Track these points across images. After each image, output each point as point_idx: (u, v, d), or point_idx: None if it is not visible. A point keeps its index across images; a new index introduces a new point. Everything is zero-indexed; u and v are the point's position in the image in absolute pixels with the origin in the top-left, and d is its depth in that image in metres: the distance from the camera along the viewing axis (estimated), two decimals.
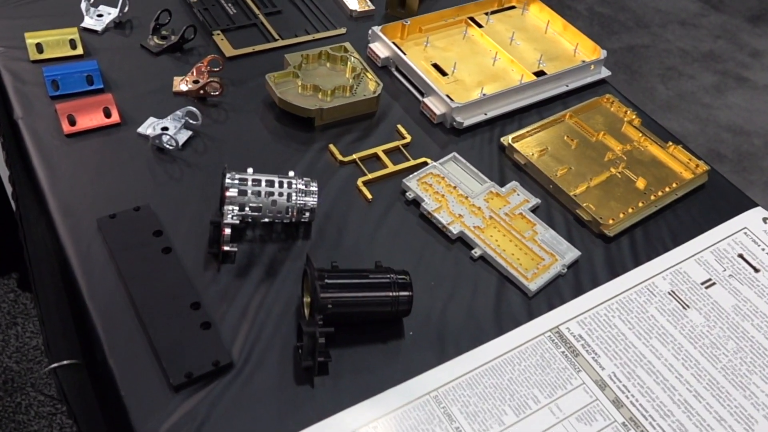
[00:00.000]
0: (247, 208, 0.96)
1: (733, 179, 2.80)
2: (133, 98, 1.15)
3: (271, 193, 0.96)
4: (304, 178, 0.99)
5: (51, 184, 1.01)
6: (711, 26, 3.51)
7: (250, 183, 0.96)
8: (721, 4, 3.66)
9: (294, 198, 0.97)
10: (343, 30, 1.35)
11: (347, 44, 1.26)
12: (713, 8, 3.64)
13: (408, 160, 1.12)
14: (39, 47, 1.19)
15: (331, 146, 1.12)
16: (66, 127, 1.07)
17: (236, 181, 0.96)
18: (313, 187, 0.98)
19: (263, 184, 0.97)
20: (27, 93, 1.13)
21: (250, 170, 0.99)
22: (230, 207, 0.94)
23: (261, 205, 0.96)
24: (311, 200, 0.98)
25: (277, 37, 1.31)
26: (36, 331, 1.87)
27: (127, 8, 1.29)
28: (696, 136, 2.91)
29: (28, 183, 1.06)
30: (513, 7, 1.45)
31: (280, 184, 0.97)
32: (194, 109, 1.10)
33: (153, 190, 1.03)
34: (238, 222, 0.93)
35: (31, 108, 1.11)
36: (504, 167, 1.15)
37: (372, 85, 1.20)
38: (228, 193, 0.95)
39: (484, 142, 1.18)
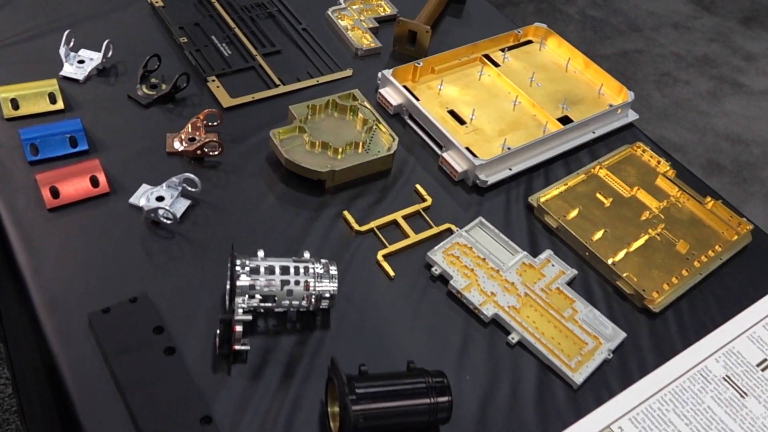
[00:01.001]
0: (259, 300, 0.85)
1: (733, 191, 2.76)
2: (122, 161, 1.04)
3: (287, 282, 0.86)
4: (322, 260, 0.89)
5: (33, 272, 0.89)
6: (704, 29, 3.44)
7: (262, 271, 0.86)
8: (713, 5, 3.60)
9: (312, 285, 0.87)
10: (349, 72, 1.24)
11: (356, 92, 1.15)
12: (705, 10, 3.57)
13: (430, 226, 1.02)
14: (14, 103, 1.06)
15: (346, 214, 1.01)
16: (49, 201, 0.96)
17: (247, 269, 0.85)
18: (333, 270, 0.88)
19: (277, 271, 0.86)
20: (2, 159, 1.01)
21: (260, 253, 0.88)
22: (241, 300, 0.84)
23: (275, 295, 0.86)
24: (331, 286, 0.87)
25: (277, 82, 1.19)
26: None
27: (111, 53, 1.17)
28: (694, 146, 2.84)
29: (5, 269, 0.94)
30: (530, 42, 1.34)
31: (296, 271, 0.87)
32: (192, 176, 0.98)
33: (150, 274, 0.91)
34: (250, 318, 0.83)
35: (7, 177, 0.99)
36: (534, 230, 1.05)
37: (386, 139, 1.10)
38: (239, 283, 0.84)
39: (510, 200, 1.09)
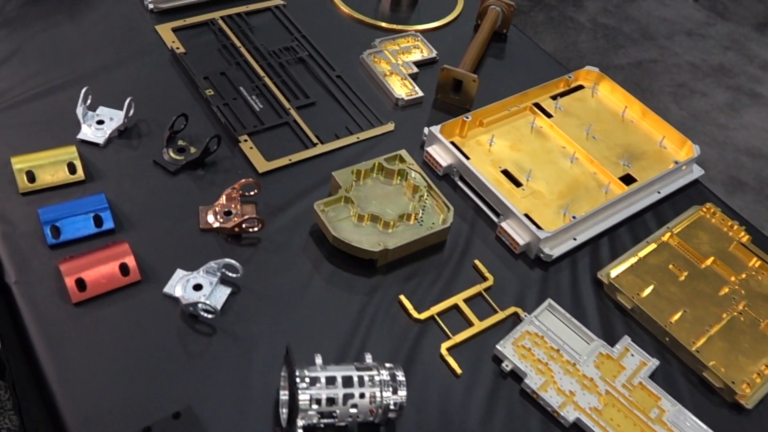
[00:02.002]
0: (320, 416, 0.76)
1: (756, 209, 2.68)
2: (151, 240, 0.93)
3: (350, 395, 0.76)
4: (387, 365, 0.79)
5: (61, 382, 0.79)
6: (718, 36, 3.36)
7: (323, 381, 0.76)
8: (727, 11, 3.51)
9: (378, 397, 0.77)
10: (390, 126, 1.14)
11: (403, 153, 1.05)
12: (719, 16, 3.48)
13: (495, 310, 0.93)
14: (30, 175, 0.96)
15: (403, 299, 0.92)
16: (74, 294, 0.85)
17: (307, 381, 0.75)
18: (400, 376, 0.78)
19: (339, 381, 0.76)
20: (19, 243, 0.90)
21: (318, 360, 0.78)
22: (302, 419, 0.74)
23: (339, 411, 0.76)
24: (399, 396, 0.78)
25: (315, 140, 1.09)
26: None
27: (132, 111, 1.06)
28: (715, 162, 2.76)
29: (29, 377, 0.84)
30: (581, 87, 1.25)
31: (360, 381, 0.77)
32: (233, 262, 0.89)
33: (192, 380, 0.81)
34: None
35: (25, 265, 0.88)
36: (605, 310, 0.96)
37: (440, 208, 1.00)
38: (301, 402, 0.74)
39: (577, 275, 0.99)
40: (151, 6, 1.24)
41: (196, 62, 1.18)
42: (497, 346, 0.88)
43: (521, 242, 0.99)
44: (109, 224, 0.93)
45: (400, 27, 1.32)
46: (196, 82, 1.13)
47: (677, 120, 2.95)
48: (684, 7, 3.51)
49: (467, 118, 1.11)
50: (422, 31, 1.32)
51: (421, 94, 1.19)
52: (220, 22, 1.26)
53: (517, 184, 1.07)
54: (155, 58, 1.18)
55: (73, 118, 1.05)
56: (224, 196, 0.98)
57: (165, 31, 1.22)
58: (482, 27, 1.29)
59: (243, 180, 0.98)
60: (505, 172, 1.08)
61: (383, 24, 1.32)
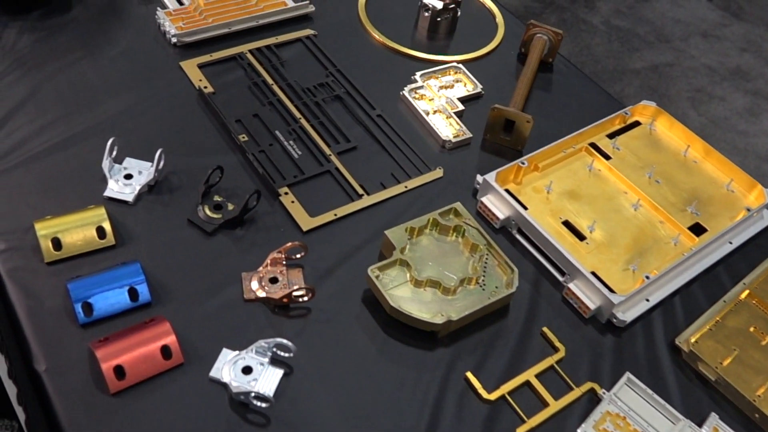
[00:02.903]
0: None
1: None
2: (192, 315, 0.85)
3: None
4: None
5: None
6: (734, 37, 3.28)
7: None
8: (742, 11, 3.43)
9: None
10: (439, 172, 1.06)
11: (458, 206, 0.97)
12: (734, 16, 3.40)
13: (570, 387, 0.85)
14: (56, 242, 0.87)
15: (470, 377, 0.84)
16: (113, 383, 0.77)
17: None
18: None
19: None
20: (47, 322, 0.82)
21: None
22: None
23: None
24: None
25: (360, 190, 1.01)
26: None
27: (162, 163, 0.98)
28: None
29: None
30: (637, 124, 1.17)
31: None
32: (286, 342, 0.80)
33: None
34: None
35: (55, 348, 0.80)
36: (685, 381, 0.88)
37: (503, 269, 0.92)
38: None
39: (653, 341, 0.92)
40: (174, 40, 1.15)
41: (227, 103, 1.09)
42: None
43: (592, 306, 0.91)
44: (145, 297, 0.85)
45: (439, 58, 1.24)
46: (228, 126, 1.05)
47: (696, 127, 2.88)
48: (698, 8, 3.43)
49: (523, 164, 1.03)
50: (463, 62, 1.24)
51: (469, 135, 1.11)
52: (249, 56, 1.17)
53: (580, 237, 0.99)
54: (182, 99, 1.09)
55: (98, 172, 0.96)
56: (268, 261, 0.90)
57: (190, 67, 1.13)
58: (529, 59, 1.20)
59: (289, 244, 0.90)
60: (567, 224, 1.01)
61: (421, 55, 1.24)
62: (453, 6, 1.26)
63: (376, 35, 1.26)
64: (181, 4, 1.22)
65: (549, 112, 1.19)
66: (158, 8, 1.19)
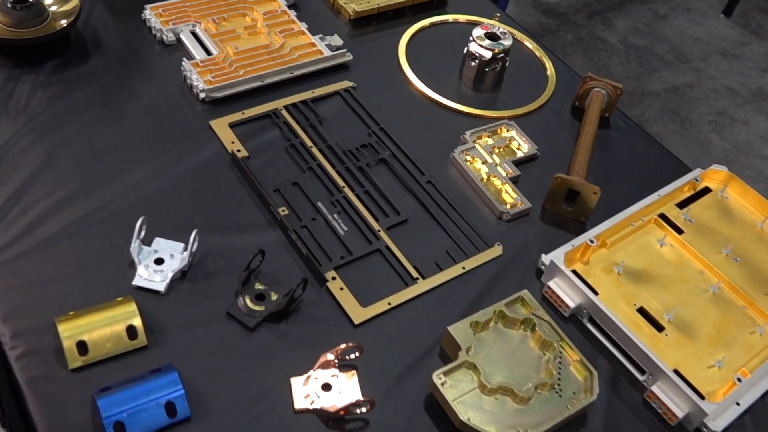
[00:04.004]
0: None
1: None
2: (235, 430, 0.76)
3: None
4: None
5: None
6: (755, 57, 3.20)
7: None
8: (762, 29, 3.35)
9: None
10: (498, 249, 0.96)
11: (525, 294, 0.88)
12: (754, 34, 3.32)
13: None
14: (81, 346, 0.77)
15: None
16: None
17: None
18: None
19: None
20: None
21: None
22: None
23: None
24: None
25: (414, 272, 0.91)
26: None
27: (196, 245, 0.88)
28: None
29: None
30: (707, 190, 1.08)
31: None
32: None
33: None
34: None
35: None
36: None
37: (578, 370, 0.83)
38: None
39: None
40: (202, 95, 1.05)
41: (263, 168, 0.99)
42: None
43: (679, 414, 0.82)
44: (184, 412, 0.74)
45: (488, 113, 1.14)
46: (267, 198, 0.95)
47: (720, 153, 2.79)
48: (717, 25, 3.35)
49: (592, 242, 0.94)
50: (514, 117, 1.14)
51: (527, 205, 1.01)
52: (285, 113, 1.07)
53: (658, 326, 0.90)
54: (213, 165, 0.99)
55: (124, 255, 0.86)
56: (319, 364, 0.80)
57: (221, 127, 1.03)
58: (589, 117, 1.11)
59: (343, 345, 0.80)
60: (642, 311, 0.91)
61: (469, 110, 1.14)
62: (502, 56, 1.17)
63: (419, 86, 1.16)
64: (208, 53, 1.12)
65: (608, 175, 1.10)
66: (184, 59, 1.09)
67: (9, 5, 1.05)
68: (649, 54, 3.14)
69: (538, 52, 1.27)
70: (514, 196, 1.02)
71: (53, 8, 1.09)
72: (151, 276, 0.85)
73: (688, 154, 2.67)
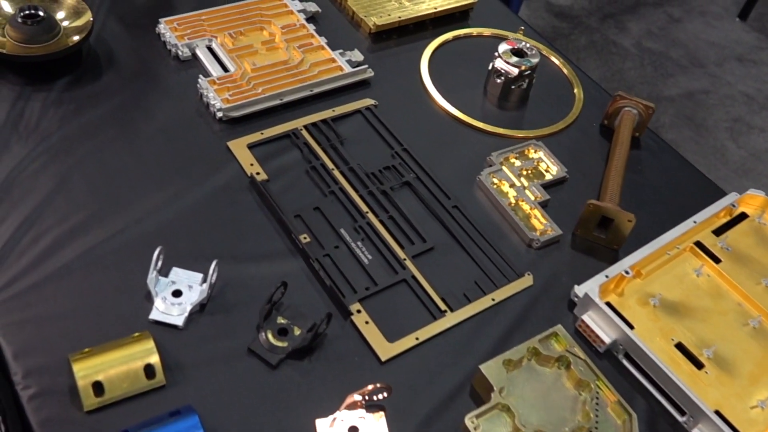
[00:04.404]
0: None
1: None
2: None
3: None
4: None
5: None
6: None
7: None
8: None
9: None
10: (529, 279, 0.93)
11: (559, 330, 0.84)
12: None
13: None
14: (97, 386, 0.74)
15: None
16: None
17: None
18: None
19: None
20: None
21: None
22: None
23: None
24: None
25: (442, 305, 0.88)
26: None
27: (215, 276, 0.84)
28: None
29: None
30: (744, 216, 1.03)
31: None
32: None
33: None
34: None
35: None
36: None
37: (615, 411, 0.79)
38: None
39: None
40: (219, 115, 1.01)
41: (283, 192, 0.96)
42: None
43: None
44: None
45: (514, 133, 1.10)
46: (288, 224, 0.91)
47: (737, 161, 2.75)
48: (732, 30, 3.30)
49: (627, 273, 0.90)
50: (541, 137, 1.10)
51: (558, 232, 0.97)
52: (305, 133, 1.03)
53: (697, 363, 0.86)
54: (232, 189, 0.95)
55: (140, 286, 0.82)
56: (345, 405, 0.76)
57: (239, 148, 0.99)
58: (620, 138, 1.07)
59: (370, 386, 0.76)
60: (680, 346, 0.87)
61: (495, 129, 1.10)
62: (529, 72, 1.13)
63: (442, 104, 1.12)
64: (225, 70, 1.08)
65: (640, 199, 1.05)
66: (200, 76, 1.05)
67: (19, 20, 1.01)
68: (664, 58, 3.09)
69: (566, 69, 1.23)
70: (544, 221, 0.98)
71: (65, 23, 1.05)
72: (169, 309, 0.82)
73: (703, 162, 2.63)
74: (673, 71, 3.05)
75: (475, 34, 1.26)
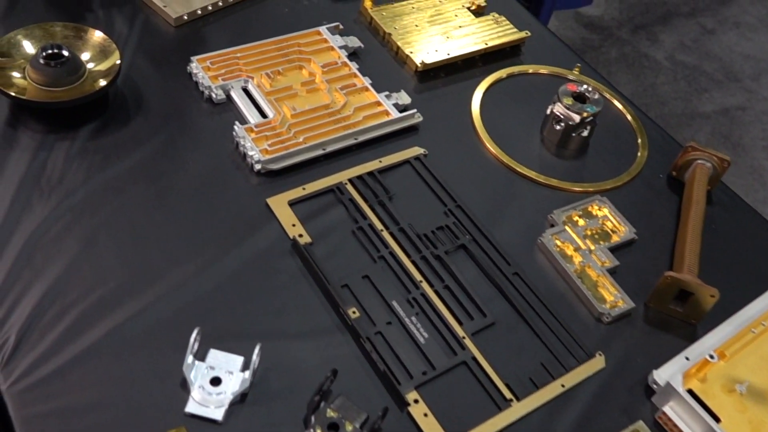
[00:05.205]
0: None
1: None
2: None
3: None
4: None
5: None
6: None
7: None
8: None
9: None
10: (600, 361, 0.83)
11: (641, 428, 0.76)
12: None
13: None
14: None
15: None
16: None
17: None
18: None
19: None
20: None
21: None
22: None
23: None
24: None
25: (507, 393, 0.79)
26: None
27: (258, 361, 0.76)
28: None
29: None
30: None
31: None
32: None
33: None
34: None
35: None
36: None
37: None
38: None
39: None
40: (258, 167, 0.93)
41: (328, 258, 0.87)
42: None
43: None
44: None
45: (575, 187, 1.01)
46: (334, 295, 0.83)
47: None
48: (767, 41, 3.19)
49: (712, 358, 0.81)
50: (604, 191, 1.01)
51: (630, 305, 0.88)
52: (350, 188, 0.94)
53: None
54: (272, 253, 0.87)
55: (174, 369, 0.74)
56: None
57: (280, 206, 0.91)
58: (694, 197, 0.97)
59: None
60: None
61: (553, 182, 1.01)
62: (591, 119, 1.04)
63: (495, 152, 1.03)
64: (263, 114, 0.99)
65: (716, 263, 0.96)
66: (236, 123, 0.96)
67: (42, 61, 0.93)
68: (698, 72, 2.98)
69: (628, 113, 1.13)
70: (614, 292, 0.89)
71: (90, 65, 0.97)
72: (207, 400, 0.73)
73: (741, 184, 2.53)
74: (708, 86, 2.95)
75: (530, 71, 1.16)
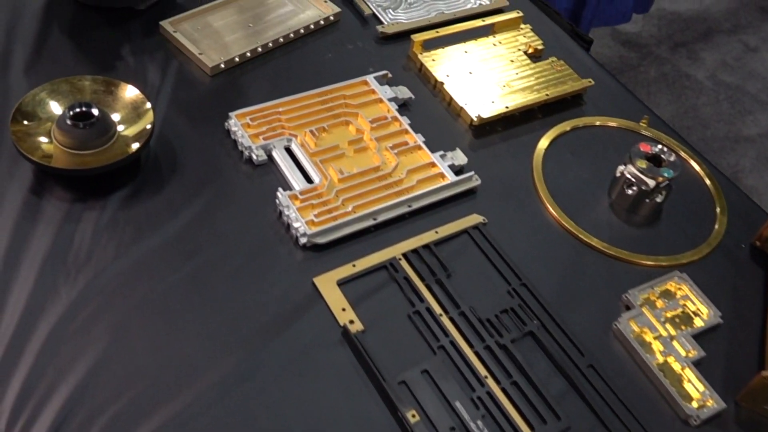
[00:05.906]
0: None
1: None
2: None
3: None
4: None
5: None
6: None
7: None
8: None
9: None
10: None
11: None
12: None
13: None
14: None
15: None
16: None
17: None
18: None
19: None
20: None
21: None
22: None
23: None
24: None
25: None
26: None
27: None
28: None
29: None
30: None
31: None
32: None
33: None
34: None
35: None
36: None
37: None
38: None
39: None
40: (303, 240, 0.85)
41: (382, 347, 0.78)
42: None
43: None
44: None
45: (649, 261, 0.91)
46: (391, 395, 0.74)
47: None
48: None
49: None
50: (682, 266, 0.92)
51: (722, 405, 0.79)
52: (404, 264, 0.85)
53: None
54: (321, 342, 0.78)
55: None
56: None
57: (328, 287, 0.82)
58: None
59: None
60: None
61: (624, 254, 0.91)
62: (667, 184, 0.94)
63: (562, 221, 0.94)
64: (307, 178, 0.91)
65: None
66: (279, 190, 0.88)
67: (69, 122, 0.85)
68: (741, 93, 2.86)
69: (708, 178, 1.02)
70: (701, 389, 0.80)
71: (120, 127, 0.89)
72: None
73: None
74: (752, 107, 2.82)
75: (597, 124, 1.07)
